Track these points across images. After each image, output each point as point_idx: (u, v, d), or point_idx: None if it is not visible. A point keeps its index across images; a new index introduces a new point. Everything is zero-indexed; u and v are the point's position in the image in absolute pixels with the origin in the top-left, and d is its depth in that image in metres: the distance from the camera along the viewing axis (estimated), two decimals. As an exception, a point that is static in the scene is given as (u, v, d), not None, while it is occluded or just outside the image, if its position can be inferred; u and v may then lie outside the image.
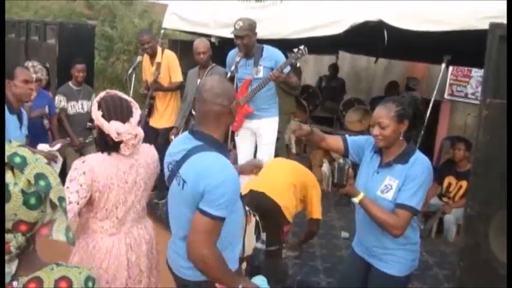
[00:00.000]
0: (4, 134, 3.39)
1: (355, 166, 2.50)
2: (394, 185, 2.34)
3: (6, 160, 1.08)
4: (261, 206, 3.23)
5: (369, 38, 4.76)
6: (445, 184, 5.09)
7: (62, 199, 1.15)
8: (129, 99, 2.39)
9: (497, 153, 2.01)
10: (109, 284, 2.32)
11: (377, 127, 2.36)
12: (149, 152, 2.49)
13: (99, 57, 11.04)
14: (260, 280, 2.08)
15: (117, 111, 2.30)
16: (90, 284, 1.20)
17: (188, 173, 1.93)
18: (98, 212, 2.31)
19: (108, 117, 2.26)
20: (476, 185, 2.13)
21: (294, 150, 2.69)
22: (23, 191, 1.08)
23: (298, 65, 4.39)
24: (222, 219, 1.87)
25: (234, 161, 4.20)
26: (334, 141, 2.67)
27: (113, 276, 2.33)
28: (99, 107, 2.29)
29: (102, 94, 2.34)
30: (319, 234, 4.53)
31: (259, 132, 4.60)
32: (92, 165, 2.24)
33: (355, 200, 2.34)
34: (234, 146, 4.88)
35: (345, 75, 9.01)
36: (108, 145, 2.29)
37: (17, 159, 1.10)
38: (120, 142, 2.27)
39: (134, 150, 2.34)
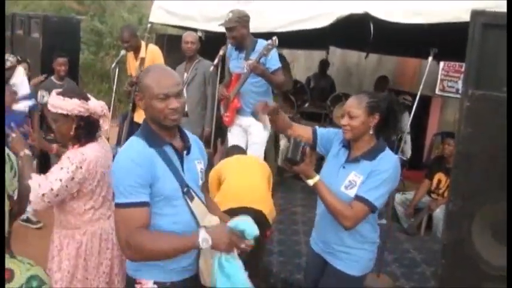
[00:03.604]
0: (4, 133, 3.32)
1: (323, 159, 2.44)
2: (359, 181, 2.24)
3: None
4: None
5: (357, 32, 4.68)
6: (435, 181, 5.03)
7: None
8: None
9: (480, 147, 1.93)
10: None
11: (346, 117, 2.28)
12: None
13: (88, 52, 10.97)
14: (241, 222, 1.86)
15: (79, 92, 2.45)
16: (34, 283, 1.15)
17: None
18: (95, 201, 2.43)
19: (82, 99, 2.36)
20: (458, 180, 2.05)
21: (266, 123, 2.54)
22: None
23: (277, 63, 4.26)
24: (134, 204, 1.80)
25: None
26: (303, 131, 2.56)
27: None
28: (65, 96, 2.33)
29: (53, 91, 2.39)
30: (304, 232, 4.49)
31: (250, 130, 4.47)
32: (90, 159, 2.33)
33: (310, 182, 2.22)
34: (222, 143, 4.76)
35: (336, 70, 8.94)
36: (92, 131, 2.42)
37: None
38: (98, 124, 2.43)
39: None
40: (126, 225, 1.81)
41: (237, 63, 4.43)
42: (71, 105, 2.31)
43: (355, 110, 2.25)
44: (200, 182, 2.08)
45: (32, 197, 2.21)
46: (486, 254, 2.10)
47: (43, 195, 2.26)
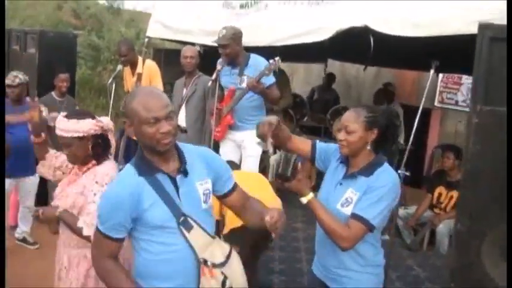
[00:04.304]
0: (4, 133, 3.24)
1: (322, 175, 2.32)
2: (355, 198, 2.12)
3: None
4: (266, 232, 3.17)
5: (356, 45, 4.64)
6: (436, 194, 4.96)
7: None
8: None
9: (488, 164, 1.85)
10: None
11: (343, 132, 2.17)
12: None
13: (85, 67, 10.95)
14: None
15: (84, 111, 2.46)
16: None
17: None
18: None
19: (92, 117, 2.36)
20: (466, 198, 1.97)
21: (269, 148, 2.36)
22: None
23: (272, 79, 4.21)
24: (104, 236, 1.82)
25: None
26: (302, 144, 2.44)
27: None
28: (78, 119, 2.31)
29: (58, 116, 2.36)
30: (305, 249, 4.42)
31: (243, 145, 4.43)
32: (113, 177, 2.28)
33: (303, 199, 2.10)
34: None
35: (335, 83, 8.89)
36: (108, 147, 2.43)
37: None
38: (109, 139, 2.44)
39: None
40: (98, 249, 1.87)
41: (230, 79, 4.40)
42: (87, 126, 2.29)
43: (352, 124, 2.14)
44: (204, 206, 1.91)
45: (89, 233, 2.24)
46: (496, 275, 2.02)
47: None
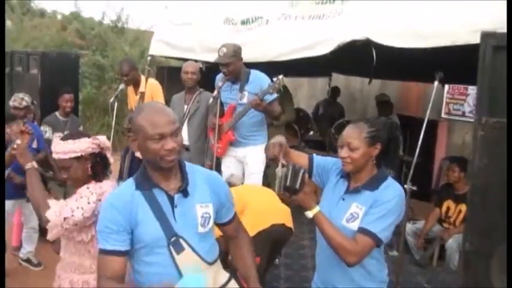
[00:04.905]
0: (4, 135, 3.20)
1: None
2: (361, 213, 2.06)
3: None
4: (281, 238, 3.52)
5: (360, 58, 4.59)
6: (444, 208, 4.85)
7: None
8: None
9: (496, 179, 1.76)
10: None
11: (346, 148, 2.11)
12: None
13: (90, 86, 11.00)
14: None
15: (80, 132, 2.53)
16: None
17: None
18: None
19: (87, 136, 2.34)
20: (473, 215, 1.87)
21: (278, 171, 2.17)
22: None
23: (275, 95, 4.17)
24: (105, 252, 1.75)
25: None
26: (299, 158, 2.36)
27: None
28: (73, 139, 2.27)
29: (55, 140, 2.32)
30: (313, 267, 4.30)
31: (246, 161, 4.39)
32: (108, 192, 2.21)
33: (309, 213, 2.02)
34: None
35: (340, 97, 8.83)
36: (107, 165, 2.39)
37: None
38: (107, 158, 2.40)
39: None
40: (101, 270, 1.77)
41: (230, 95, 4.37)
42: (84, 145, 2.26)
43: (355, 141, 2.09)
44: (201, 230, 1.84)
45: (51, 218, 2.18)
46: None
47: (65, 219, 2.18)
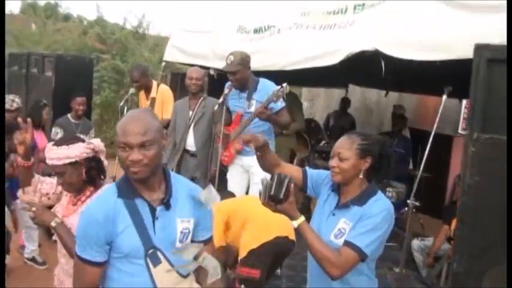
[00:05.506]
0: (4, 134, 3.20)
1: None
2: (348, 228, 2.03)
3: None
4: (284, 251, 3.49)
5: (372, 69, 4.53)
6: (453, 226, 4.70)
7: None
8: None
9: (488, 197, 1.67)
10: None
11: (336, 158, 2.10)
12: None
13: (109, 90, 11.10)
14: None
15: (73, 136, 2.40)
16: None
17: None
18: None
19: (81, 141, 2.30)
20: (463, 236, 1.79)
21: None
22: None
23: (281, 103, 4.12)
24: (82, 259, 1.74)
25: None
26: (291, 171, 2.34)
27: None
28: (67, 144, 2.23)
29: (48, 146, 2.28)
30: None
31: (252, 171, 4.32)
32: None
33: (294, 223, 1.99)
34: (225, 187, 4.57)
35: (356, 108, 8.72)
36: (102, 169, 2.34)
37: None
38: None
39: None
40: (77, 277, 1.79)
41: (238, 103, 4.33)
42: (78, 150, 2.22)
43: (346, 151, 2.07)
44: (178, 245, 1.80)
45: None
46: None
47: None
